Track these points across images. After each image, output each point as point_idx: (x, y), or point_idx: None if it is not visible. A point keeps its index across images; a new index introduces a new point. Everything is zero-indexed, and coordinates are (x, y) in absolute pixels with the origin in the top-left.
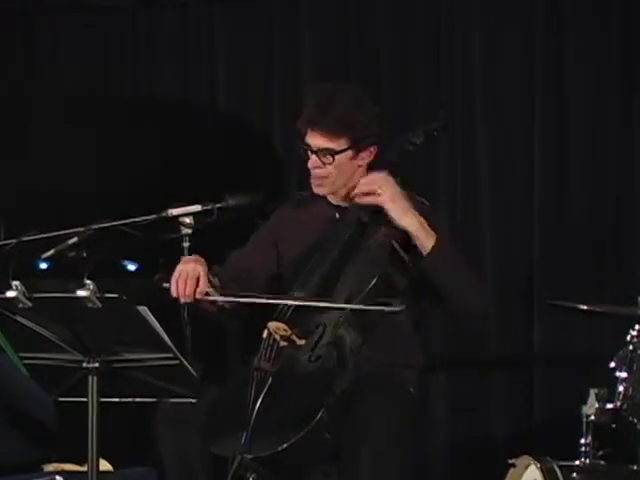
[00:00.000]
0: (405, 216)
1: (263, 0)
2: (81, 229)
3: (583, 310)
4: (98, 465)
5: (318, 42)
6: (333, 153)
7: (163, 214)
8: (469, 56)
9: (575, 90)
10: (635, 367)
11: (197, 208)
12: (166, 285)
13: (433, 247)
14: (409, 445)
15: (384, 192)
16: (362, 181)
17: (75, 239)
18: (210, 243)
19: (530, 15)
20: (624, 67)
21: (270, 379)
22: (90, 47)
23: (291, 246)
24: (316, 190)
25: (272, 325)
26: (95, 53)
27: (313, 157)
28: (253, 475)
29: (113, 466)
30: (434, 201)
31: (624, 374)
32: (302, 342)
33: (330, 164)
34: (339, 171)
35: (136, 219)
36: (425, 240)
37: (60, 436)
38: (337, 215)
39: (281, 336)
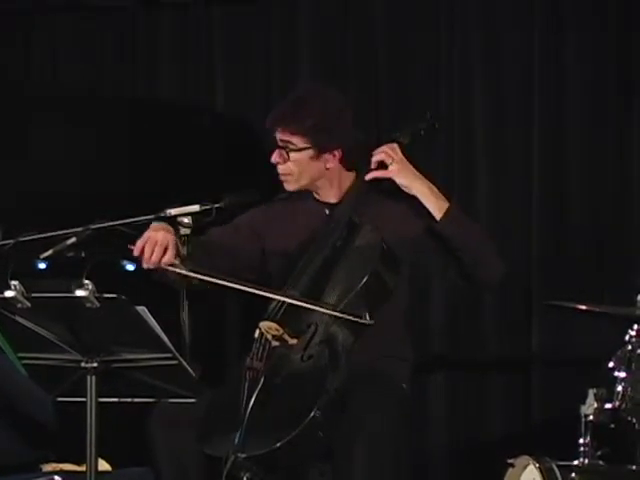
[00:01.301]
0: (415, 182)
1: (262, 0)
2: (80, 229)
3: (582, 310)
4: (97, 465)
5: (317, 42)
6: (293, 149)
7: (161, 214)
8: (468, 56)
9: (574, 90)
10: (634, 367)
11: (195, 208)
12: (130, 247)
13: (447, 210)
14: (404, 443)
15: (393, 164)
16: (375, 152)
17: (74, 239)
18: None
19: (529, 15)
20: (624, 67)
21: (263, 379)
22: (90, 47)
23: (280, 243)
24: (284, 185)
25: (264, 325)
26: (95, 53)
27: (276, 151)
28: (247, 474)
29: (111, 466)
30: None
31: (623, 374)
32: (294, 341)
33: (290, 160)
34: (300, 169)
35: (135, 219)
36: (437, 204)
37: (58, 436)
38: (327, 211)
39: (273, 336)
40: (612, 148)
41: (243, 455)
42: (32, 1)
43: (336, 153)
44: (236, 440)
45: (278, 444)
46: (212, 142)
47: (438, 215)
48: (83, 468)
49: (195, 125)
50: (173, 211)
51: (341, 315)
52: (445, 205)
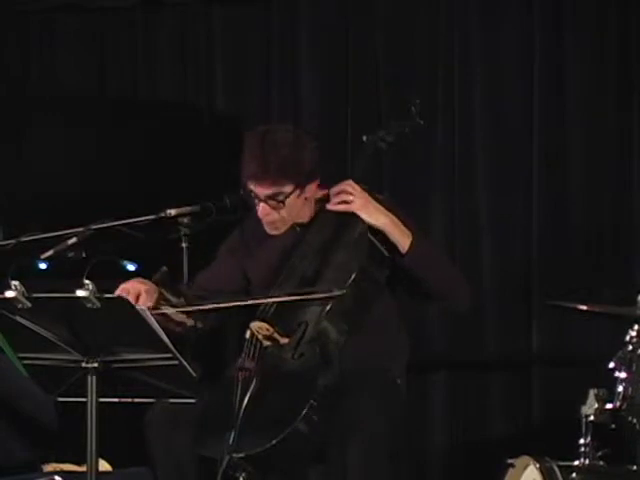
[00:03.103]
0: (378, 217)
1: (262, 0)
2: (80, 229)
3: (582, 310)
4: (97, 465)
5: (317, 42)
6: (282, 199)
7: (162, 214)
8: (468, 56)
9: (574, 90)
10: (634, 367)
11: (196, 208)
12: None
13: (411, 244)
14: (400, 440)
15: (355, 200)
16: (332, 191)
17: (74, 239)
18: (208, 243)
19: (529, 15)
20: (624, 67)
21: (255, 379)
22: (89, 47)
23: (257, 264)
24: (271, 232)
25: (254, 325)
26: (94, 53)
27: (262, 206)
28: (243, 475)
29: (112, 466)
30: (432, 200)
31: (623, 374)
32: (285, 340)
33: (282, 209)
34: (289, 212)
35: (135, 219)
36: (401, 238)
37: (59, 436)
38: (298, 229)
39: (264, 335)
40: (612, 148)
41: (238, 455)
42: (32, 1)
43: (316, 181)
44: (230, 440)
45: (272, 442)
46: (212, 142)
47: (403, 249)
48: (83, 468)
49: (195, 125)
50: (173, 211)
51: (310, 297)
52: (408, 239)
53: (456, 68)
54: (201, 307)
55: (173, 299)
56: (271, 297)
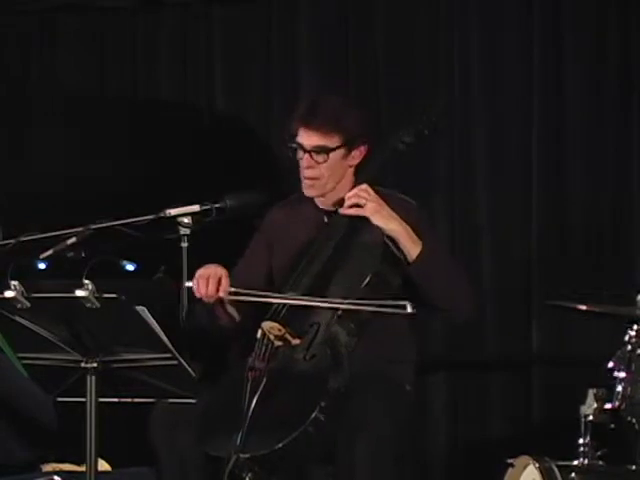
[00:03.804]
0: (391, 223)
1: (262, 0)
2: (80, 229)
3: (582, 310)
4: (96, 465)
5: (317, 42)
6: (327, 151)
7: (161, 214)
8: (468, 56)
9: (574, 90)
10: (633, 367)
11: (195, 208)
12: (188, 284)
13: (418, 255)
14: (407, 444)
15: (367, 204)
16: (347, 195)
17: (74, 239)
18: (208, 243)
19: (528, 15)
20: (624, 67)
21: (265, 379)
22: (89, 47)
23: (281, 250)
24: (307, 192)
25: (266, 325)
26: (94, 53)
27: (306, 157)
28: (249, 475)
29: (111, 466)
30: (432, 201)
31: (622, 374)
32: (297, 341)
33: (324, 162)
34: (331, 172)
35: (134, 219)
36: (411, 248)
37: (58, 436)
38: (325, 219)
39: (275, 336)
40: (612, 148)
41: (245, 455)
42: (32, 1)
43: (362, 149)
44: (238, 440)
45: (280, 444)
46: (212, 142)
47: (411, 258)
48: (83, 468)
49: (195, 125)
50: (173, 211)
51: (384, 310)
52: (418, 249)
53: (456, 68)
54: (265, 299)
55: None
56: (310, 300)
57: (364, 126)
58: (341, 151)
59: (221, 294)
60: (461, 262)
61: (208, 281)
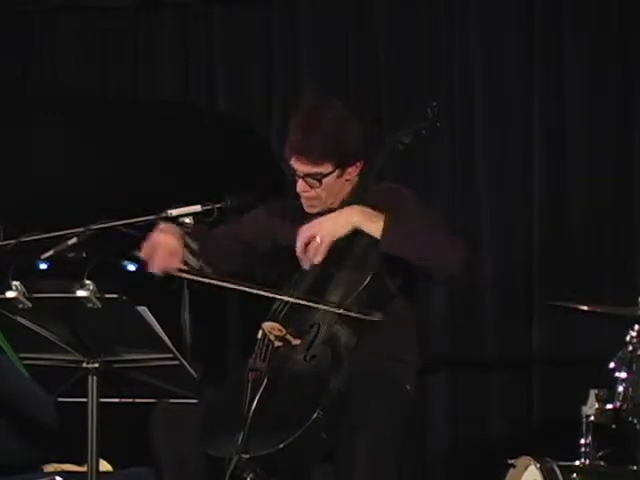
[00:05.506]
0: (346, 223)
1: (262, 0)
2: (81, 229)
3: (583, 310)
4: (98, 465)
5: (317, 43)
6: (320, 178)
7: (162, 214)
8: (468, 56)
9: (574, 90)
10: (635, 368)
11: (197, 208)
12: (136, 252)
13: (384, 227)
14: (407, 444)
15: (318, 237)
16: (298, 252)
17: (75, 239)
18: None
19: (529, 15)
20: (624, 67)
21: (266, 379)
22: (90, 47)
23: (289, 240)
24: (308, 210)
25: (267, 325)
26: (95, 53)
27: (300, 182)
28: (250, 475)
29: (113, 466)
30: (432, 200)
31: (624, 374)
32: (297, 342)
33: (319, 186)
34: (328, 191)
35: (135, 219)
36: (374, 225)
37: (60, 436)
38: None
39: (276, 336)
40: (612, 148)
41: (246, 456)
42: (32, 1)
43: (358, 164)
44: (239, 441)
45: (281, 445)
46: (212, 142)
47: (378, 236)
48: (84, 468)
49: (195, 125)
50: (174, 211)
51: (349, 313)
52: (381, 221)
53: (456, 68)
54: (223, 284)
55: (193, 245)
56: (300, 298)
57: (358, 144)
58: (335, 174)
59: (168, 271)
60: (443, 221)
61: (159, 253)
